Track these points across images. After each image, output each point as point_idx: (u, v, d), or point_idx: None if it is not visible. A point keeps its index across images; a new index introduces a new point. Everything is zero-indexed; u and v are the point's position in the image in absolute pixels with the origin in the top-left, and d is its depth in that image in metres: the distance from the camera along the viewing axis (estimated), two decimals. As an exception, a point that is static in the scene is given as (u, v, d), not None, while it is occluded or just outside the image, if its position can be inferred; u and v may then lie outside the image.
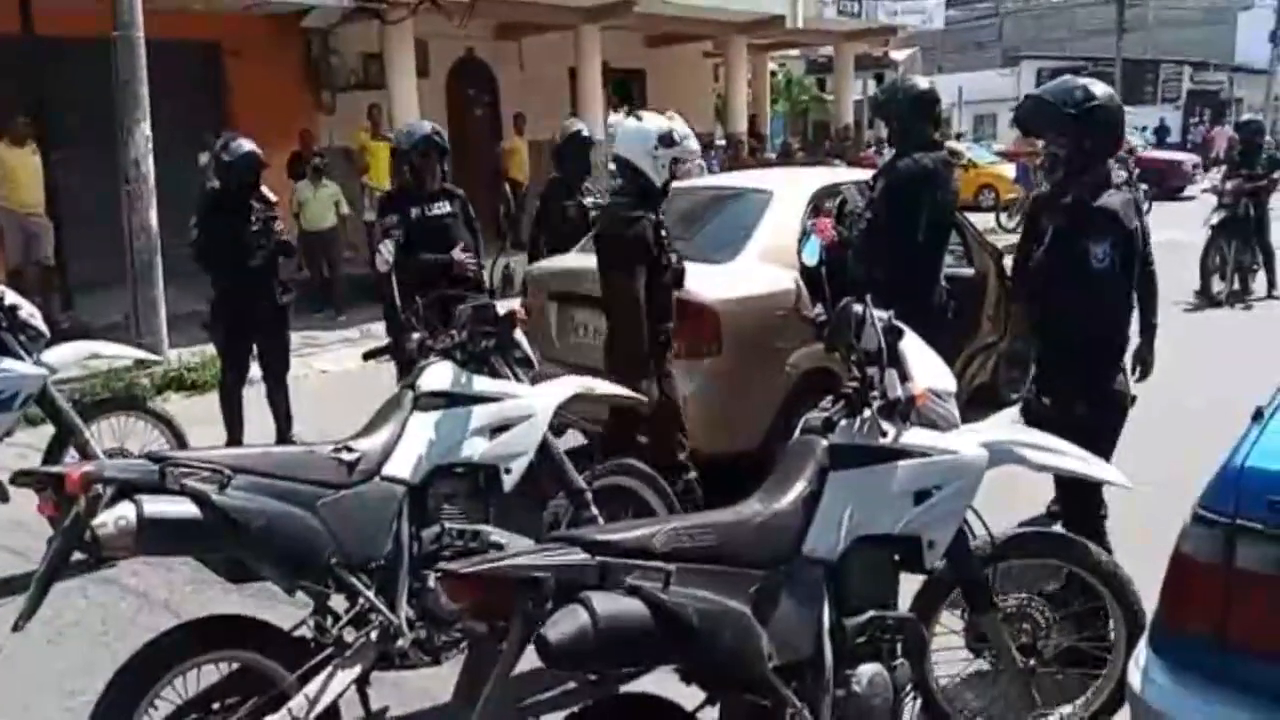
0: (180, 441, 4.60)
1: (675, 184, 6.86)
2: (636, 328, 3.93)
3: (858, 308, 2.45)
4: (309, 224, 10.46)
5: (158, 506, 2.28)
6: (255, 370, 6.75)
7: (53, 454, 4.35)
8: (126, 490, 2.29)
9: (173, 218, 9.34)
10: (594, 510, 3.27)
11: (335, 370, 8.43)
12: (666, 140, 4.01)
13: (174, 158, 9.54)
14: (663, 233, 4.09)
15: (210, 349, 8.37)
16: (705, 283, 4.61)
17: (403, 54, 11.46)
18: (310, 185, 10.47)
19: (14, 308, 4.01)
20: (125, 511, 2.23)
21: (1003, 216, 17.14)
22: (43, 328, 4.16)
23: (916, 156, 4.03)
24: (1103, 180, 3.14)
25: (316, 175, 10.47)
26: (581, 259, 4.91)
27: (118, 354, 4.43)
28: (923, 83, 4.50)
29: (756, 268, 4.79)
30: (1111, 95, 3.18)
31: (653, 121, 4.11)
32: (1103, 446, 2.75)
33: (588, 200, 5.91)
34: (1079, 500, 3.04)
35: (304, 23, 11.69)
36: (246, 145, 5.65)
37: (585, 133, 5.85)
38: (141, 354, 4.39)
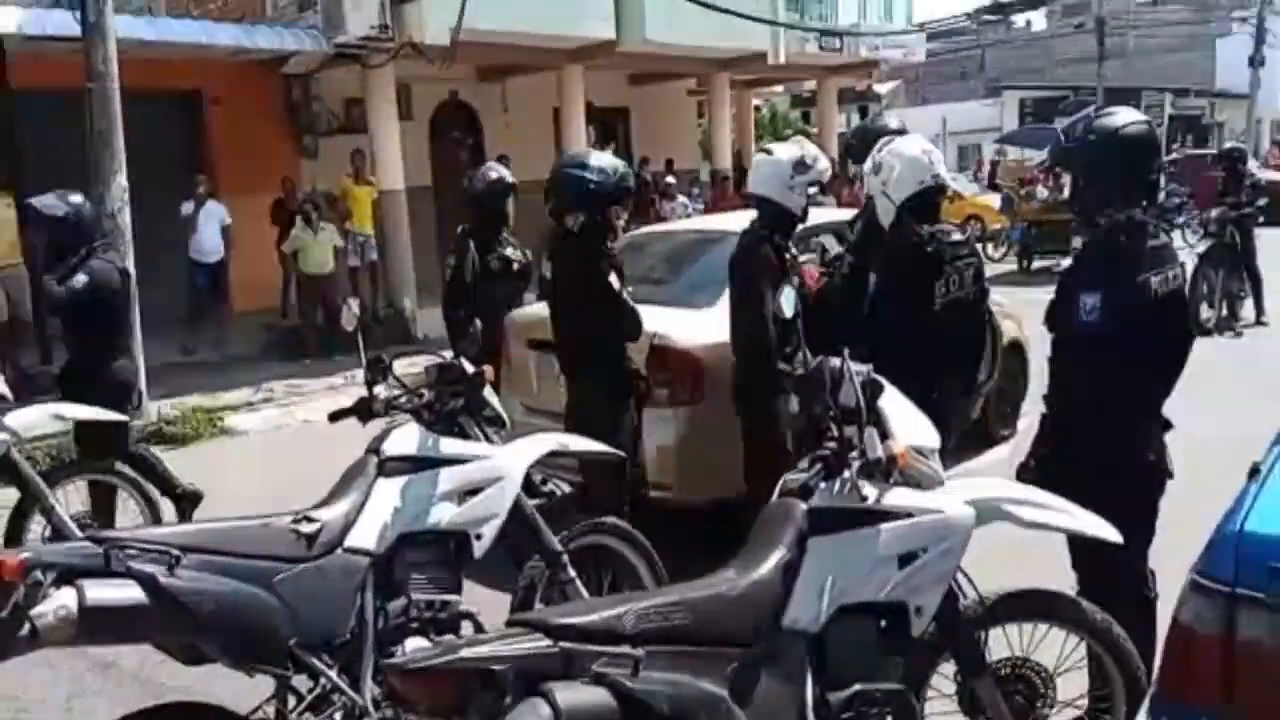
0: (150, 503, 4.48)
1: (656, 227, 6.81)
2: (764, 357, 3.93)
3: (834, 362, 2.36)
4: (309, 269, 10.42)
5: (101, 592, 2.17)
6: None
7: (16, 522, 4.22)
8: (68, 575, 2.17)
9: (151, 268, 9.33)
10: (571, 573, 3.16)
11: (319, 420, 8.30)
12: (800, 167, 4.04)
13: (153, 207, 9.50)
14: (793, 260, 4.12)
15: (190, 400, 8.35)
16: (686, 329, 4.54)
17: (384, 98, 11.48)
18: (307, 229, 10.42)
19: (-27, 373, 3.91)
20: (66, 599, 2.12)
21: (989, 247, 17.18)
22: (5, 391, 4.05)
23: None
24: (1121, 223, 2.81)
25: (306, 221, 10.41)
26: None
27: (81, 416, 4.31)
28: (894, 122, 4.51)
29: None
30: (1116, 130, 2.84)
31: (784, 152, 4.12)
32: (1115, 521, 2.45)
33: (509, 252, 5.64)
34: (1088, 561, 2.89)
35: (285, 69, 11.72)
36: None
37: (507, 179, 5.72)
38: (106, 414, 4.27)
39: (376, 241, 11.56)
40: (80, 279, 4.45)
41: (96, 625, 2.16)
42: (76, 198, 4.64)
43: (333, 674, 2.51)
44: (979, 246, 3.95)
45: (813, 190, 4.08)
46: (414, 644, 2.62)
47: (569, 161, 4.16)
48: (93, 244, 4.59)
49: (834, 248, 4.27)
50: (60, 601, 2.11)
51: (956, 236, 3.61)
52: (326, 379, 9.45)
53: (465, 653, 1.74)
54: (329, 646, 2.55)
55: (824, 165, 4.11)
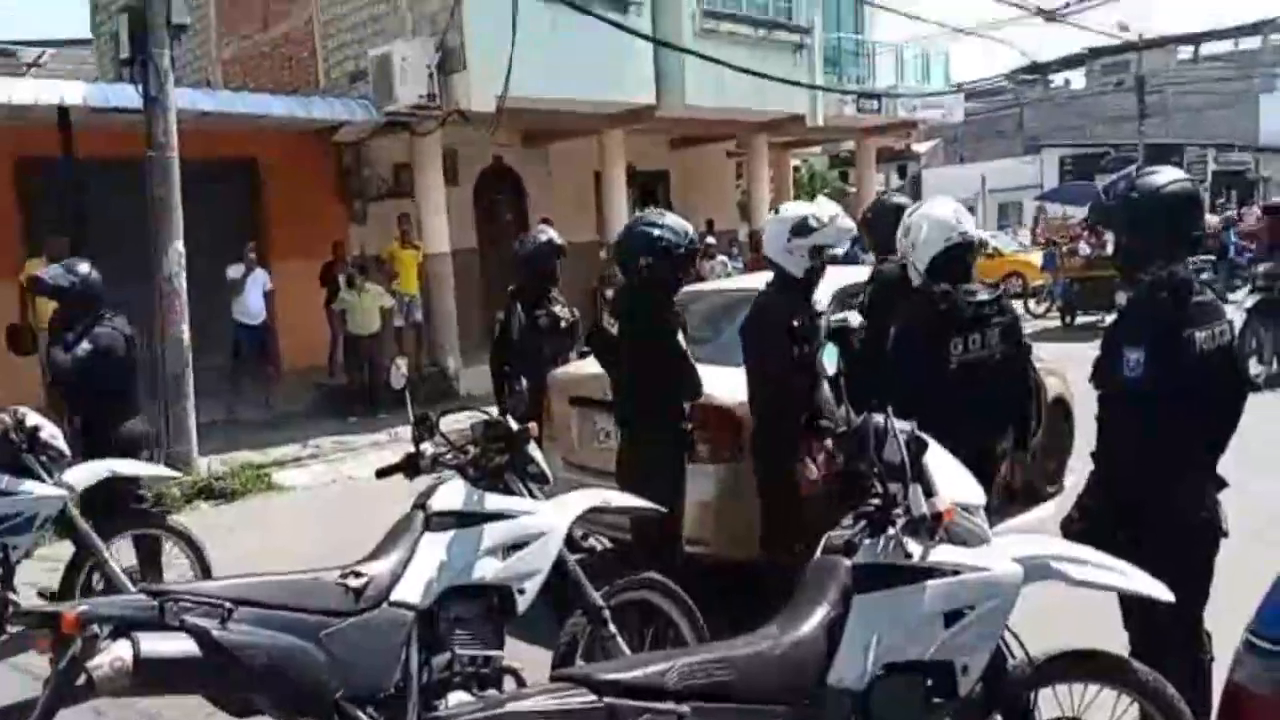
0: (199, 555, 4.55)
1: (697, 286, 6.86)
2: (779, 415, 3.97)
3: (878, 419, 2.37)
4: (355, 329, 10.63)
5: (155, 645, 2.21)
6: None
7: (71, 574, 4.30)
8: (123, 628, 2.22)
9: (206, 331, 9.57)
10: (612, 629, 3.15)
11: (365, 476, 8.40)
12: (799, 230, 3.99)
13: (209, 272, 9.78)
14: (804, 322, 4.02)
15: (240, 455, 8.49)
16: (726, 386, 4.54)
17: (432, 164, 11.77)
18: (353, 290, 10.68)
19: (35, 429, 4.03)
20: (121, 652, 2.16)
21: (1031, 303, 17.06)
22: (64, 448, 4.16)
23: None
24: (1164, 279, 2.80)
25: (353, 283, 10.65)
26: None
27: (136, 471, 4.41)
28: (899, 198, 4.60)
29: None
30: (1159, 188, 2.86)
31: (790, 211, 4.11)
32: (1168, 579, 2.39)
33: (558, 310, 5.76)
34: (1140, 620, 2.81)
35: (336, 137, 12.08)
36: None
37: (556, 240, 5.85)
38: (161, 470, 4.37)
39: (421, 302, 11.75)
40: (85, 347, 4.58)
41: (151, 677, 2.19)
42: (84, 267, 4.76)
43: (378, 729, 2.52)
44: (1019, 303, 3.93)
45: (836, 251, 4.07)
46: (457, 698, 2.63)
47: (643, 219, 4.29)
48: (100, 313, 4.70)
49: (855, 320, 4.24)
50: (116, 654, 2.15)
51: (983, 296, 3.61)
52: (372, 436, 9.58)
53: (510, 707, 1.75)
54: (374, 700, 2.56)
55: (842, 226, 4.04)
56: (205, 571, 4.46)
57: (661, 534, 3.97)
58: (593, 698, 1.79)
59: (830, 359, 3.79)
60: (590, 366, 5.30)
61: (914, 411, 2.44)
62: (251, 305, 10.39)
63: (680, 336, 4.08)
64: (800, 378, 3.98)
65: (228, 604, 2.35)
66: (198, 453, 8.24)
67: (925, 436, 2.41)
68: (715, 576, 4.43)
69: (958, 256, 3.62)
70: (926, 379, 3.44)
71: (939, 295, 3.54)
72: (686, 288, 6.88)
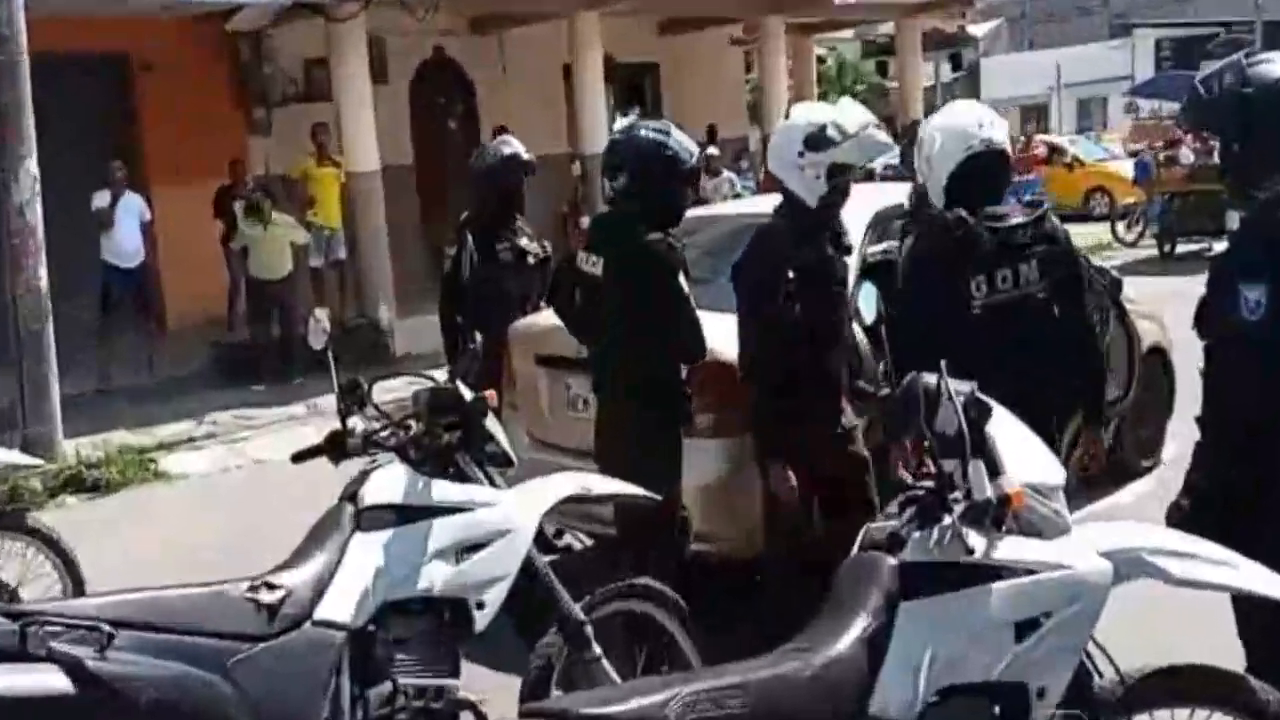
0: (69, 565, 4.55)
1: (695, 212, 6.84)
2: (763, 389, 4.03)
3: (928, 378, 2.36)
4: (260, 272, 10.58)
5: (15, 680, 2.22)
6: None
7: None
8: (-26, 660, 2.22)
9: (72, 274, 9.49)
10: (596, 649, 3.17)
11: (276, 459, 8.42)
12: (813, 142, 3.86)
13: (73, 201, 9.68)
14: (812, 262, 3.99)
15: (116, 436, 8.47)
16: (735, 339, 4.54)
17: (354, 58, 11.64)
18: (258, 223, 10.55)
19: None
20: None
21: (1120, 227, 17.09)
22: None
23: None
24: None
25: (256, 211, 10.54)
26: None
27: (-6, 459, 4.39)
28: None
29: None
30: (1277, 79, 2.82)
31: (803, 116, 4.01)
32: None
33: (524, 242, 5.75)
34: (1262, 628, 2.85)
35: (230, 25, 11.91)
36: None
37: (522, 154, 5.80)
38: (17, 458, 4.35)
39: (345, 236, 11.69)
40: None
41: None
42: None
43: (301, 781, 2.54)
44: (1103, 228, 3.91)
45: (842, 177, 3.90)
46: (404, 741, 2.64)
47: (647, 126, 4.28)
48: None
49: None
50: None
51: (1017, 219, 3.62)
52: (285, 408, 9.60)
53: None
54: (296, 745, 2.57)
55: (870, 140, 3.94)
56: (77, 585, 4.45)
57: (655, 528, 3.99)
58: (574, 739, 1.80)
59: (868, 303, 3.78)
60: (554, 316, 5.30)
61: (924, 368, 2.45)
62: (124, 242, 10.31)
63: (682, 278, 4.06)
64: (797, 332, 3.95)
65: (106, 627, 2.35)
66: (62, 434, 8.21)
67: (989, 400, 2.41)
68: (722, 581, 4.49)
69: (982, 170, 3.63)
70: (942, 328, 3.47)
71: (953, 222, 3.56)
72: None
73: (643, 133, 4.19)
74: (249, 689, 2.50)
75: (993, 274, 3.56)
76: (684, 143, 4.14)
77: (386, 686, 2.74)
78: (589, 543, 5.43)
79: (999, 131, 3.70)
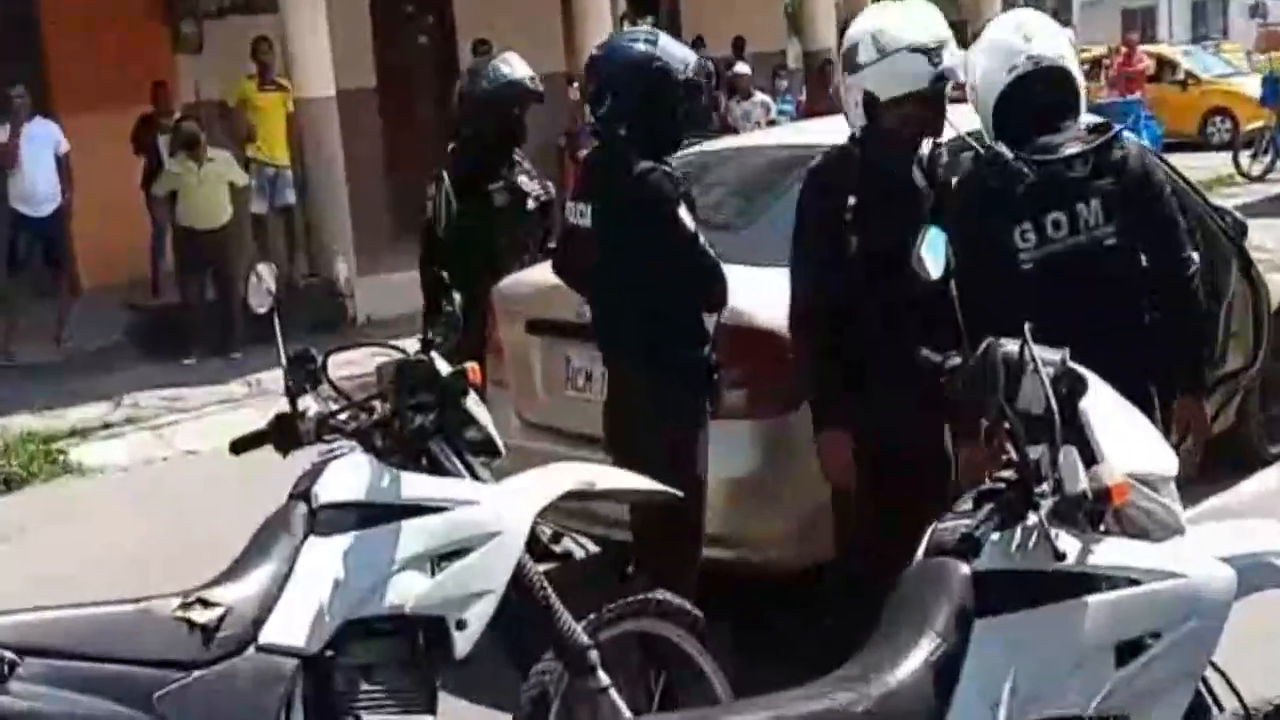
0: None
1: (722, 143, 6.79)
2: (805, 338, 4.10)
3: (1008, 346, 2.37)
4: (191, 220, 10.58)
5: None
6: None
7: None
8: None
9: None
10: (603, 677, 3.18)
11: (209, 449, 8.46)
12: (847, 60, 3.89)
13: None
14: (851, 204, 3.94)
15: (18, 421, 8.52)
16: (770, 299, 4.53)
17: (302, -45, 11.61)
18: (187, 160, 10.53)
19: None
20: None
21: (1244, 157, 17.00)
22: None
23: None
24: None
25: (188, 146, 10.53)
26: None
27: None
28: None
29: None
30: None
31: (857, 24, 3.97)
32: None
33: (523, 181, 5.75)
34: None
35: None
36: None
37: (526, 79, 5.77)
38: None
39: (294, 176, 11.69)
40: None
41: None
42: None
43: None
44: (1224, 157, 3.87)
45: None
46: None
47: (629, 35, 4.37)
48: None
49: None
50: None
51: (1072, 149, 3.61)
52: (220, 387, 9.65)
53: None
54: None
55: (905, 68, 3.76)
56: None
57: (674, 530, 4.01)
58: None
59: (934, 251, 3.75)
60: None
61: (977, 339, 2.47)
62: (36, 183, 10.27)
63: (684, 212, 4.05)
64: (857, 275, 3.92)
65: (8, 654, 2.35)
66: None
67: (1084, 372, 2.41)
68: (752, 595, 4.50)
69: (1032, 94, 3.64)
70: (987, 287, 3.48)
71: (986, 159, 3.62)
72: (706, 145, 6.89)
73: (625, 43, 4.22)
74: None
75: (1042, 220, 3.56)
76: (675, 51, 4.13)
77: None
78: (593, 549, 5.44)
79: (1052, 44, 3.69)
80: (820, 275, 3.96)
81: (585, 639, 3.18)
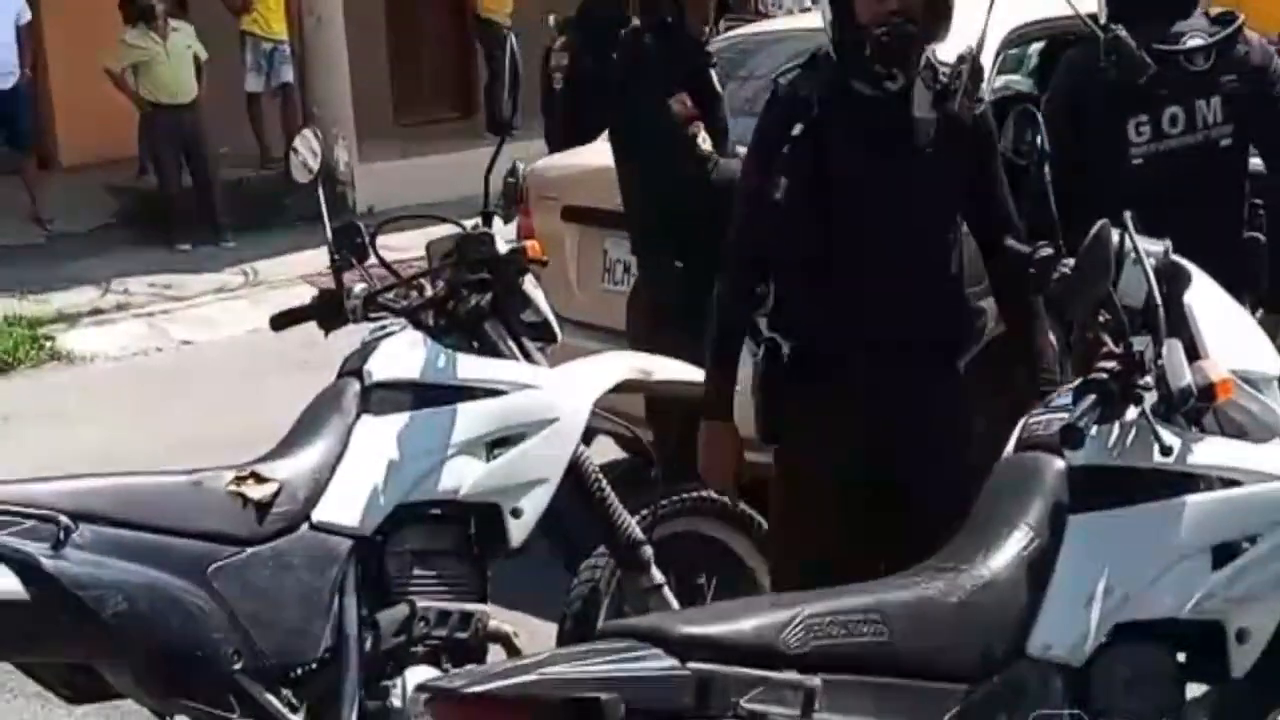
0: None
1: (756, 28, 6.69)
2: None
3: (1111, 234, 2.38)
4: (158, 95, 10.48)
5: None
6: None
7: None
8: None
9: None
10: (656, 575, 3.26)
11: (206, 340, 8.50)
12: None
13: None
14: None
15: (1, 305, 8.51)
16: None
17: None
18: (148, 33, 10.38)
19: None
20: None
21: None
22: None
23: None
24: None
25: (145, 17, 10.35)
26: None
27: None
28: None
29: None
30: None
31: None
32: None
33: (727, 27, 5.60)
34: None
35: None
36: None
37: None
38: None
39: (293, 50, 11.58)
40: None
41: None
42: None
43: (298, 719, 2.64)
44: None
45: None
46: (419, 676, 2.73)
47: None
48: None
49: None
50: None
51: (1194, 41, 3.57)
52: (213, 275, 9.66)
53: (552, 671, 1.82)
54: (290, 676, 2.67)
55: None
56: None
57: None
58: (671, 662, 1.86)
59: (1023, 131, 3.76)
60: (595, 154, 5.29)
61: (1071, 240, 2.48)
62: None
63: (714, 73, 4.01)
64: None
65: (64, 519, 2.42)
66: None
67: (1186, 264, 2.44)
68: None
69: None
70: (1091, 183, 3.47)
71: (1105, 44, 3.52)
72: (738, 31, 6.83)
73: None
74: (232, 602, 2.59)
75: (1158, 114, 3.54)
76: None
77: (401, 609, 2.81)
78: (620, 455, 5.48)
79: None
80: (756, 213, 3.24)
81: (640, 534, 3.25)
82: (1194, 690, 2.41)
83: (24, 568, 2.36)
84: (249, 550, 2.64)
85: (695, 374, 3.50)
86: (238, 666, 2.58)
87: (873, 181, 3.07)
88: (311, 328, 3.30)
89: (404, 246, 3.65)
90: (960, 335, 3.27)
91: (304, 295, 3.25)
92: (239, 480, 2.69)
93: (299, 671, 2.69)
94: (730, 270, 3.28)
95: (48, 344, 8.19)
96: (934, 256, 3.15)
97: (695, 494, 3.49)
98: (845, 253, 3.06)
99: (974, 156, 3.17)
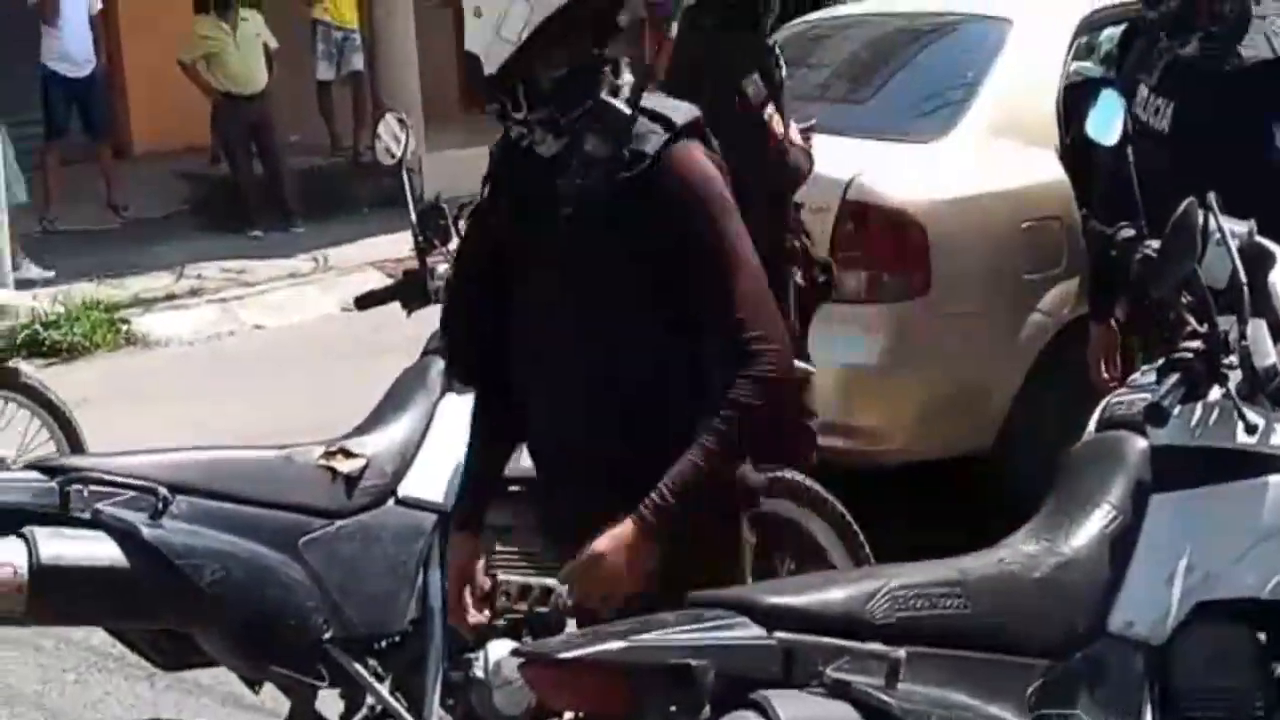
0: (66, 427, 4.76)
1: (844, 8, 6.63)
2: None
3: (1194, 213, 2.39)
4: (229, 85, 10.60)
5: (59, 547, 2.36)
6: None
7: None
8: (11, 521, 2.37)
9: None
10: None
11: (277, 325, 8.58)
12: None
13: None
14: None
15: (78, 290, 8.60)
16: (900, 174, 4.56)
17: None
18: (219, 22, 10.49)
19: None
20: (11, 555, 2.30)
21: None
22: None
23: None
24: None
25: (219, 6, 10.49)
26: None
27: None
28: None
29: (985, 148, 4.75)
30: None
31: None
32: None
33: None
34: None
35: None
36: None
37: None
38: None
39: (363, 38, 11.65)
40: None
41: (53, 595, 2.36)
42: None
43: (383, 688, 2.71)
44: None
45: None
46: (501, 648, 2.77)
47: None
48: None
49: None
50: (4, 557, 2.30)
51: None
52: (284, 262, 9.73)
53: (644, 638, 1.86)
54: (376, 646, 2.74)
55: None
56: (76, 452, 4.66)
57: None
58: (758, 631, 1.90)
59: (1105, 116, 3.73)
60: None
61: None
62: (74, 41, 10.23)
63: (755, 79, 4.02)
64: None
65: (163, 490, 2.49)
66: (14, 281, 8.41)
67: (1270, 245, 2.44)
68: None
69: None
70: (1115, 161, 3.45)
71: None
72: (824, 11, 6.77)
73: None
74: (322, 573, 2.66)
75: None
76: None
77: (484, 583, 2.86)
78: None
79: None
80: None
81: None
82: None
83: (124, 537, 2.43)
84: (338, 523, 2.70)
85: None
86: (327, 636, 2.65)
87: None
88: (383, 315, 3.36)
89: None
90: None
91: (374, 281, 3.29)
92: (328, 455, 2.76)
93: (384, 642, 2.75)
94: None
95: (124, 328, 8.30)
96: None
97: (771, 474, 3.51)
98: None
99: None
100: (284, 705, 2.80)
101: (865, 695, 1.87)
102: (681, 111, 2.31)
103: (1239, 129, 3.46)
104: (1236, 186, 2.81)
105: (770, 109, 4.06)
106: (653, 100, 2.32)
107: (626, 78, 2.33)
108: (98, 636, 3.30)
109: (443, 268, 3.24)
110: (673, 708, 1.82)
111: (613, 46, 2.37)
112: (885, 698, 1.87)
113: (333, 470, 2.73)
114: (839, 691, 1.87)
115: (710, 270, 2.25)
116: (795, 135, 3.97)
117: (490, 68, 2.31)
